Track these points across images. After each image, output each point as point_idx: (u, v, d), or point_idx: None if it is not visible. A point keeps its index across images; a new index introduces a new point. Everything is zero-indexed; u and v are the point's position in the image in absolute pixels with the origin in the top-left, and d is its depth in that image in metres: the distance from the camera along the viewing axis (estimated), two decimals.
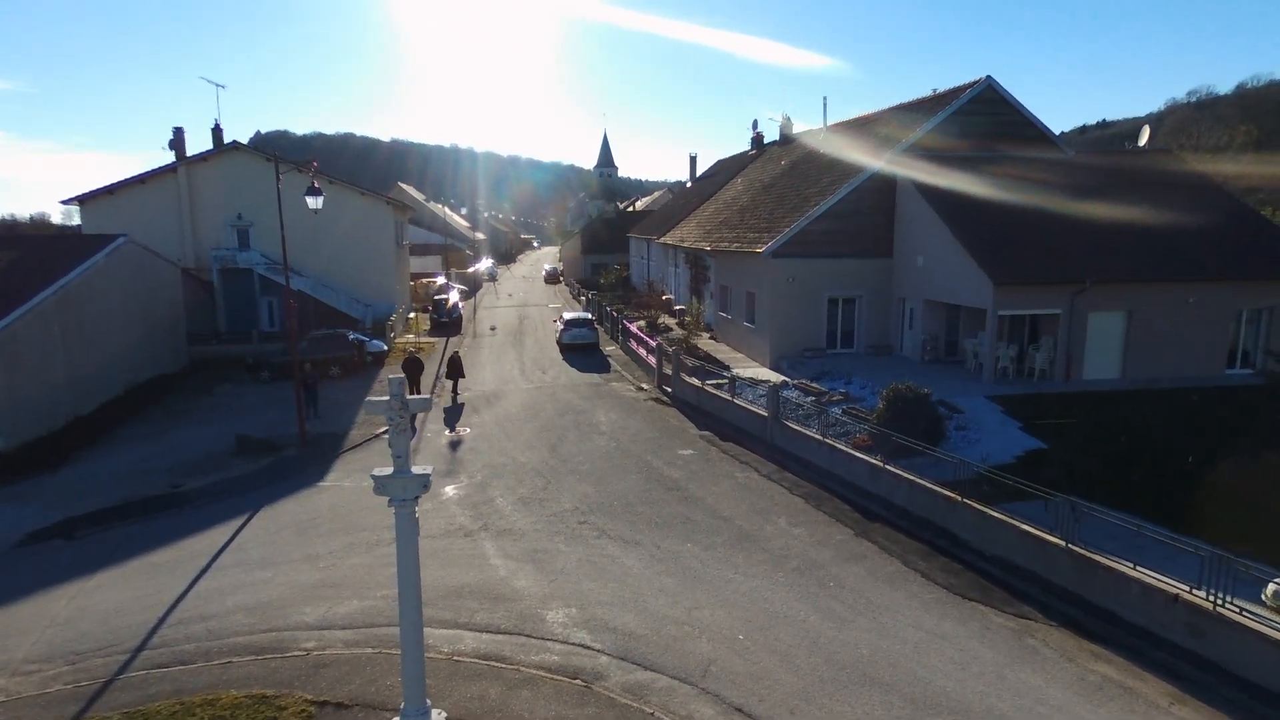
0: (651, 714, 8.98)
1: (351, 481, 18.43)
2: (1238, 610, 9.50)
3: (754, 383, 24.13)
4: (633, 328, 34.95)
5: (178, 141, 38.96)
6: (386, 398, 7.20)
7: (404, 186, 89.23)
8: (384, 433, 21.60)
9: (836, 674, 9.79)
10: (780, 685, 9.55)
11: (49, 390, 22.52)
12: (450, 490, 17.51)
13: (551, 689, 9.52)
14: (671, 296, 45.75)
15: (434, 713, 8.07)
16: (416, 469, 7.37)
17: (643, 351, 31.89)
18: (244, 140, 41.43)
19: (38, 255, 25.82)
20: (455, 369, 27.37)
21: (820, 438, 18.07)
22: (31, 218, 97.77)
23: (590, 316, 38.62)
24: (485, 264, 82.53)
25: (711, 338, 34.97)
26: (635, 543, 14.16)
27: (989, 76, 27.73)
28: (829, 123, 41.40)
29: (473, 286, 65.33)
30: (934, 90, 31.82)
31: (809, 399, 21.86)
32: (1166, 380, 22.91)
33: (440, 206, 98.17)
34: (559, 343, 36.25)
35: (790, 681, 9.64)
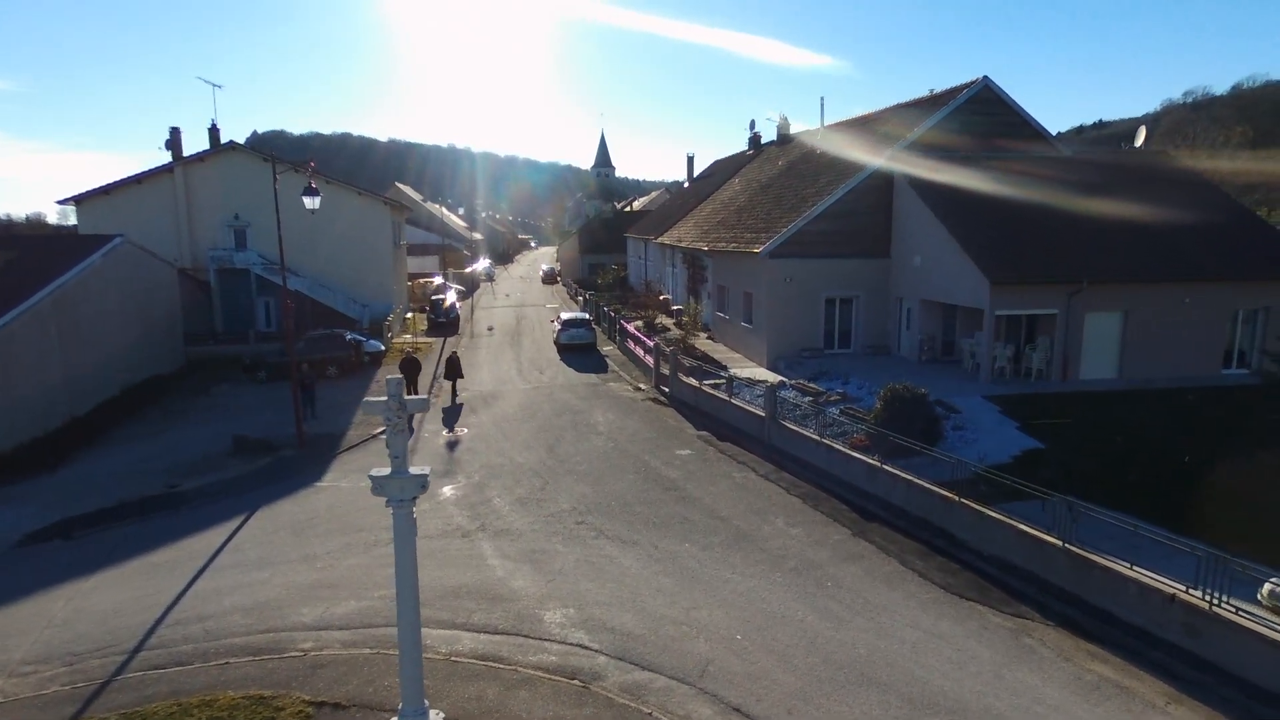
0: (649, 714, 8.99)
1: (349, 482, 18.42)
2: (1234, 610, 9.52)
3: (751, 383, 24.14)
4: (630, 328, 34.96)
5: (174, 141, 38.94)
6: (384, 398, 7.19)
7: (401, 186, 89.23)
8: (381, 433, 21.49)
9: (834, 674, 9.80)
10: (778, 685, 9.56)
11: (46, 391, 22.47)
12: (448, 491, 17.51)
13: (549, 689, 9.52)
14: (669, 296, 45.76)
15: (432, 713, 8.06)
16: (414, 469, 7.37)
17: (640, 351, 31.89)
18: (241, 140, 41.37)
19: (34, 255, 25.76)
20: (454, 369, 27.35)
21: (818, 438, 18.08)
22: (28, 218, 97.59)
23: (588, 316, 38.61)
24: (483, 264, 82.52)
25: (709, 338, 34.99)
26: (633, 543, 14.17)
27: (986, 77, 27.80)
28: (826, 122, 41.48)
29: (470, 287, 65.31)
30: (931, 90, 31.90)
31: (806, 399, 21.88)
32: (1163, 380, 22.96)
33: (438, 206, 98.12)
34: (556, 343, 36.25)
35: (788, 681, 9.65)
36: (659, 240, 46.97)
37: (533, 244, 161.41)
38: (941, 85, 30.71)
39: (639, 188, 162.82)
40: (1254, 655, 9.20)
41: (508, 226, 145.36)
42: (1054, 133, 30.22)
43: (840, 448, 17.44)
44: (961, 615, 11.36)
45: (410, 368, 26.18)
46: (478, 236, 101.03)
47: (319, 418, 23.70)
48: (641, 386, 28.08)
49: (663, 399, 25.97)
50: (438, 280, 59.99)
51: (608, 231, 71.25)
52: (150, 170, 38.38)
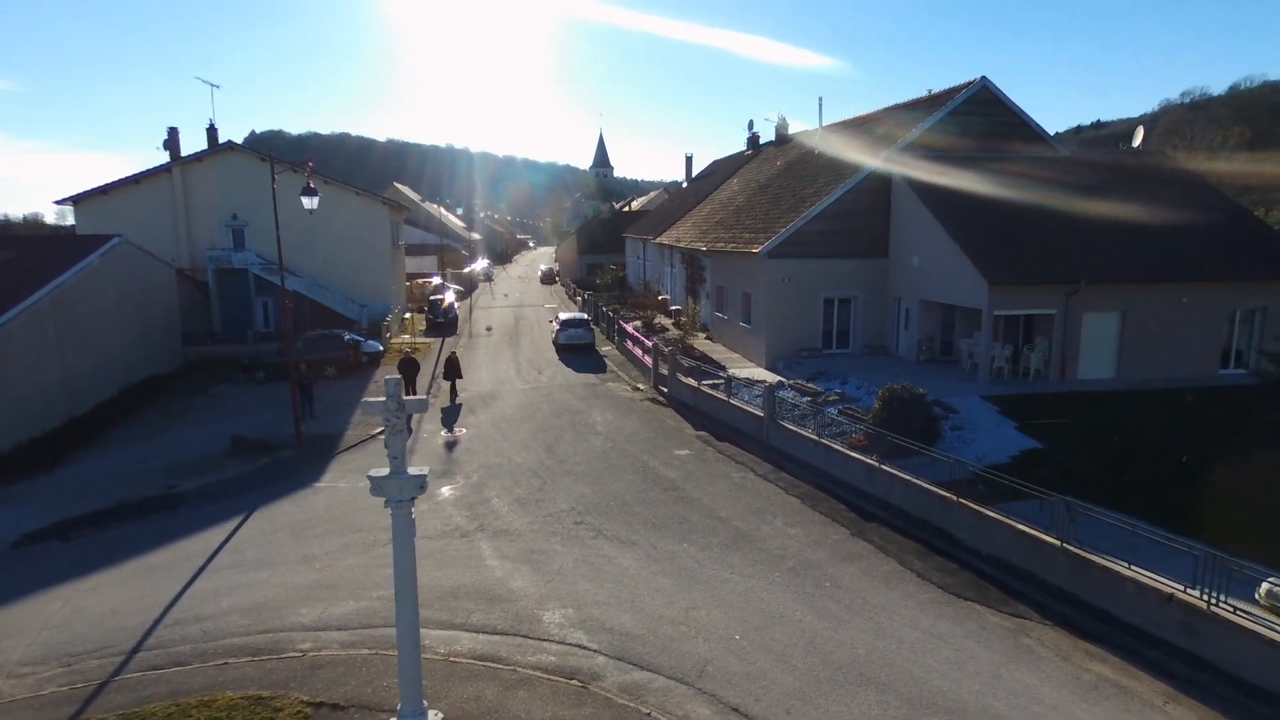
0: (648, 714, 8.99)
1: (347, 482, 18.40)
2: (1232, 609, 9.53)
3: (750, 383, 24.14)
4: (629, 328, 34.96)
5: (172, 141, 38.88)
6: (383, 399, 7.18)
7: (400, 187, 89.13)
8: (380, 433, 21.46)
9: (833, 674, 9.81)
10: (776, 685, 9.57)
11: (43, 391, 22.44)
12: (446, 491, 17.50)
13: (548, 689, 9.52)
14: (667, 297, 45.77)
15: (430, 713, 8.06)
16: (413, 470, 7.36)
17: (639, 352, 31.89)
18: (239, 140, 41.30)
19: (32, 255, 25.74)
20: (453, 369, 27.34)
21: (816, 438, 18.09)
22: (25, 218, 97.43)
23: (586, 317, 38.61)
24: (481, 264, 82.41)
25: (708, 338, 35.00)
26: (631, 543, 14.17)
27: (984, 77, 27.83)
28: (825, 123, 41.51)
29: (468, 287, 65.22)
30: (929, 91, 31.94)
31: (805, 399, 21.89)
32: (1161, 380, 22.99)
33: (436, 207, 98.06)
34: (555, 343, 36.24)
35: (786, 681, 9.65)
36: (657, 240, 46.98)
37: (531, 244, 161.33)
38: (941, 86, 30.70)
39: (637, 188, 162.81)
40: (1251, 654, 9.22)
41: (506, 226, 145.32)
42: (1052, 133, 30.28)
43: (839, 448, 17.45)
44: (960, 615, 11.37)
45: (408, 368, 26.16)
46: (476, 236, 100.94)
47: (317, 418, 23.68)
48: (640, 387, 28.08)
49: (661, 399, 25.97)
50: (436, 280, 59.95)
51: (606, 232, 71.25)
52: (148, 170, 38.33)
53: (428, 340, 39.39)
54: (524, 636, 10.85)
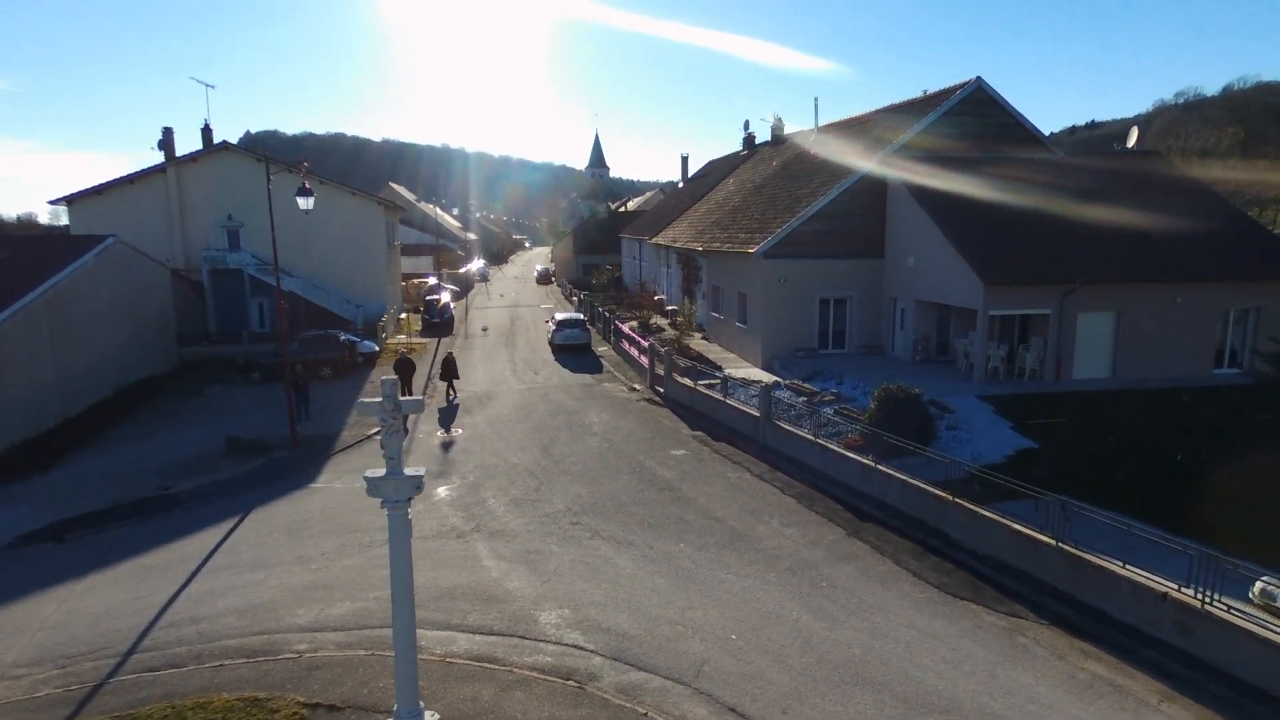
0: (645, 714, 9.00)
1: (343, 483, 18.38)
2: (1226, 608, 9.58)
3: (746, 383, 24.18)
4: (625, 328, 34.97)
5: (167, 142, 38.74)
6: (379, 399, 7.18)
7: (395, 187, 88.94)
8: (376, 434, 21.52)
9: (829, 674, 9.82)
10: (773, 685, 9.58)
11: (37, 391, 22.38)
12: (443, 491, 17.48)
13: (544, 690, 9.52)
14: (664, 297, 45.78)
15: (427, 714, 8.06)
16: (409, 470, 7.35)
17: (635, 352, 31.90)
18: (234, 140, 41.33)
19: (26, 255, 25.65)
20: (450, 370, 27.31)
21: (812, 438, 18.12)
22: (19, 218, 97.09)
23: (582, 317, 38.59)
24: (477, 264, 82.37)
25: (704, 338, 35.02)
26: (628, 543, 14.17)
27: (979, 78, 27.87)
28: (821, 124, 41.55)
29: (464, 287, 65.17)
30: (924, 91, 31.99)
31: (801, 399, 21.92)
32: (1155, 380, 23.08)
33: (432, 207, 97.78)
34: (551, 343, 36.23)
35: (783, 681, 9.67)
36: (654, 241, 47.00)
37: (527, 244, 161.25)
38: (937, 88, 30.69)
39: (633, 188, 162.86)
40: (1245, 653, 9.27)
41: (502, 227, 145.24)
42: (1047, 133, 30.36)
43: (835, 448, 17.48)
44: (956, 615, 11.40)
45: (405, 368, 26.14)
46: (472, 237, 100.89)
47: (313, 419, 23.65)
48: (636, 387, 28.09)
49: (658, 399, 25.98)
50: (432, 281, 59.81)
51: (602, 232, 71.26)
52: (143, 170, 38.23)
53: (424, 340, 39.36)
54: (520, 637, 10.85)
